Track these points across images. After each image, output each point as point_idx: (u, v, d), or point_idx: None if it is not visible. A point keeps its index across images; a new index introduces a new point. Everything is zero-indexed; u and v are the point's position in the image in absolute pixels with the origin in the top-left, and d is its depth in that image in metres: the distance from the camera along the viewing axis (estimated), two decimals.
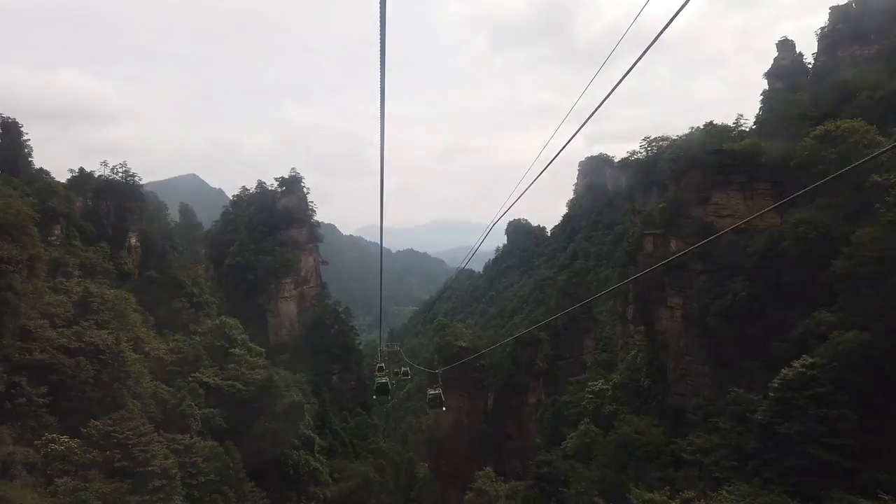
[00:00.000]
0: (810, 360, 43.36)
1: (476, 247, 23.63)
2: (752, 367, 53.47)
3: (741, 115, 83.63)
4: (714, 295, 59.66)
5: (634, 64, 8.73)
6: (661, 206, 71.44)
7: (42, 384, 59.66)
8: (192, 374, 74.14)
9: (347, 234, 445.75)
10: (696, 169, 64.37)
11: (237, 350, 78.80)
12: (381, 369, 34.70)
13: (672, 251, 65.10)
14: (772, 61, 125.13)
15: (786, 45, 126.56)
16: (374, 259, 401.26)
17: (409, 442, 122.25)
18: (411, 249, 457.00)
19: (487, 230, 21.44)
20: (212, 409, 71.37)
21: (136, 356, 71.43)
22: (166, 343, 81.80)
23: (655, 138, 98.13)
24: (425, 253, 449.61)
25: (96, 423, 53.63)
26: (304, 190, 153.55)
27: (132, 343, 75.23)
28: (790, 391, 42.75)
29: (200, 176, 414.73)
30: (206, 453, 61.99)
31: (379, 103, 8.29)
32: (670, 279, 64.77)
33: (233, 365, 78.00)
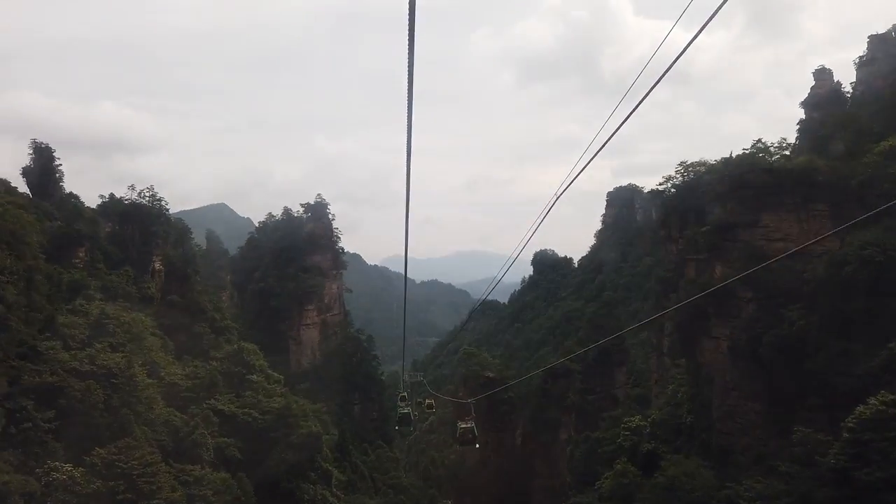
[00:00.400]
0: (890, 396, 38.08)
1: (498, 279, 23.12)
2: (813, 405, 48.09)
3: (784, 139, 79.05)
4: (765, 325, 54.50)
5: (641, 101, 9.12)
6: (704, 229, 66.63)
7: (50, 408, 56.37)
8: (207, 402, 70.38)
9: (372, 263, 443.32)
10: (744, 189, 59.73)
11: (255, 377, 74.99)
12: (403, 398, 34.00)
13: (717, 278, 60.15)
14: (808, 90, 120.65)
15: (823, 74, 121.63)
16: (398, 289, 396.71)
17: (431, 477, 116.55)
18: (435, 280, 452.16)
19: (509, 264, 21.27)
20: (226, 439, 67.35)
21: (150, 381, 68.03)
22: (183, 368, 78.34)
23: (692, 163, 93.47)
24: (449, 284, 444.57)
25: (101, 451, 49.86)
26: (330, 216, 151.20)
27: (147, 367, 71.86)
28: (868, 432, 37.47)
29: (229, 205, 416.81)
30: (217, 486, 57.76)
31: (406, 136, 8.54)
32: (715, 308, 59.75)
33: (250, 392, 74.14)
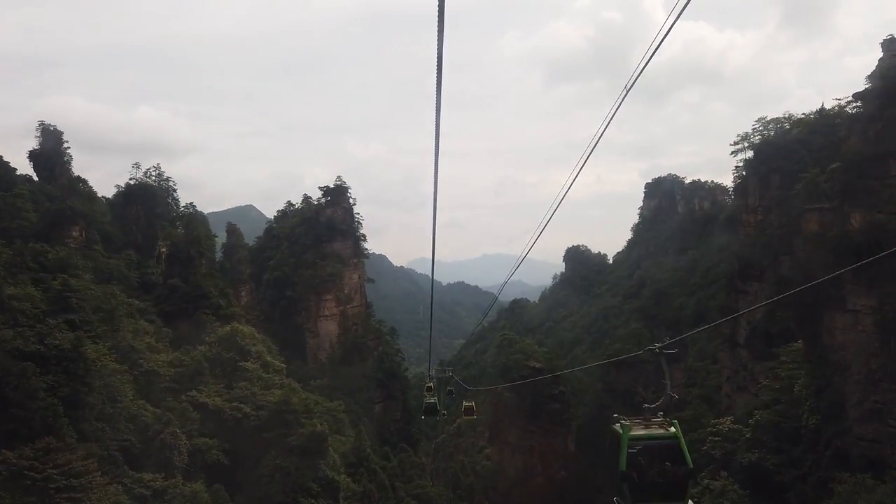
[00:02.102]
0: None
1: (508, 277, 22.34)
2: None
3: None
4: None
5: (623, 98, 9.00)
6: (833, 167, 49.63)
7: None
8: (188, 393, 55.39)
9: (399, 265, 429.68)
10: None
11: (250, 364, 59.86)
12: (429, 389, 32.17)
13: (855, 228, 43.32)
14: (876, 62, 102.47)
15: (892, 44, 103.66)
16: (424, 292, 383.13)
17: (461, 486, 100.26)
18: (462, 282, 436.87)
19: (518, 263, 19.82)
20: (207, 440, 52.20)
21: (118, 367, 53.24)
22: (167, 355, 63.60)
23: (774, 119, 76.53)
24: (476, 286, 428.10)
25: (8, 454, 34.87)
26: (350, 201, 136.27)
27: (122, 352, 57.34)
28: None
29: (257, 207, 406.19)
30: (184, 500, 42.55)
31: (434, 138, 8.33)
32: (855, 272, 42.81)
33: (243, 383, 59.03)
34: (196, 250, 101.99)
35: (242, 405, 55.07)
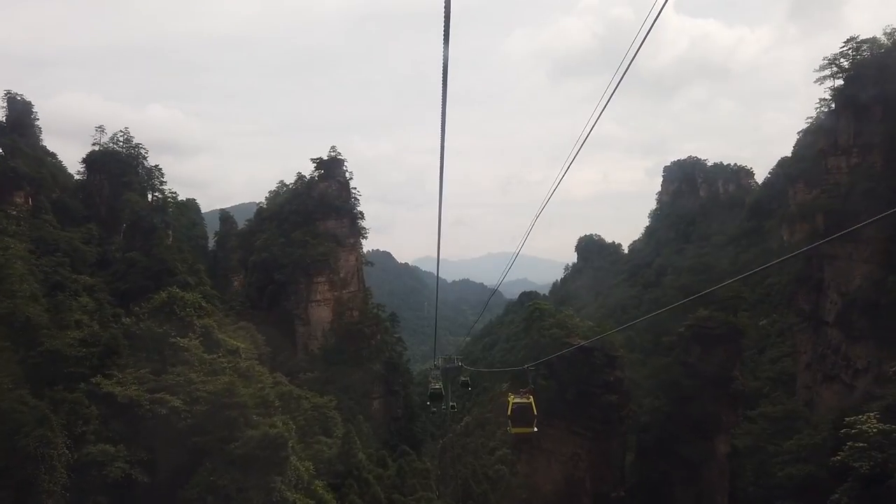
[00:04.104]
0: None
1: (507, 268, 21.46)
2: None
3: None
4: None
5: (611, 96, 8.63)
6: None
7: None
8: (92, 380, 37.79)
9: (403, 262, 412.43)
10: None
11: (186, 341, 42.16)
12: (436, 368, 28.58)
13: None
14: None
15: None
16: (429, 289, 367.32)
17: (472, 496, 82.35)
18: (467, 279, 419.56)
19: (512, 260, 19.17)
20: (109, 447, 34.50)
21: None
22: (80, 332, 46.01)
23: (869, 39, 58.38)
24: (482, 283, 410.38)
25: None
26: (347, 174, 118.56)
27: (12, 327, 40.08)
28: None
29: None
30: None
31: (440, 136, 7.93)
32: None
33: (180, 367, 41.29)
34: (161, 220, 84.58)
35: (170, 397, 37.44)
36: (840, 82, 60.09)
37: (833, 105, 60.94)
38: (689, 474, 44.46)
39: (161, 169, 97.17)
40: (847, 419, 34.17)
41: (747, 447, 48.48)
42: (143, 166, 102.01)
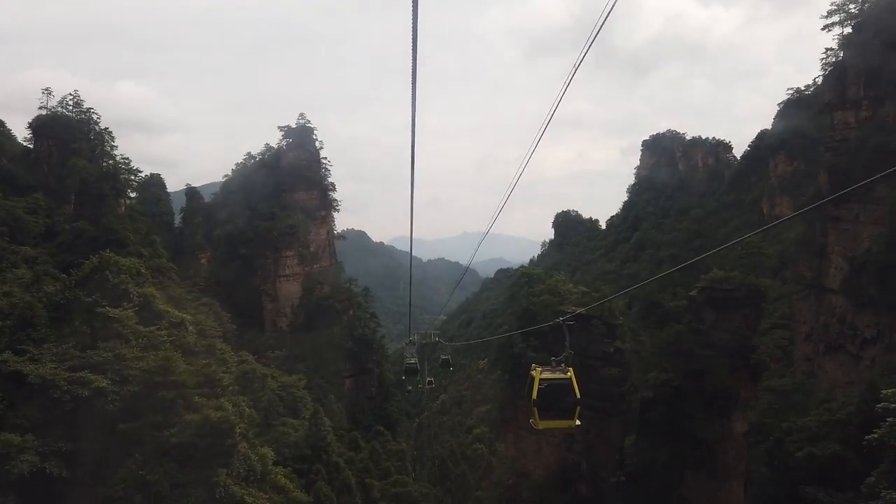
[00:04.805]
0: None
1: (478, 244, 23.02)
2: None
3: None
4: None
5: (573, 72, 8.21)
6: None
7: None
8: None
9: (378, 241, 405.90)
10: None
11: (119, 311, 35.69)
12: (411, 343, 28.72)
13: None
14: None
15: None
16: (404, 268, 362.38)
17: (450, 477, 77.53)
18: (443, 258, 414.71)
19: (480, 239, 20.36)
20: (14, 437, 28.18)
21: None
22: None
23: None
24: (457, 262, 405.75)
25: None
26: (317, 144, 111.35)
27: None
28: None
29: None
30: None
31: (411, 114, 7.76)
32: None
33: (113, 341, 34.88)
34: (111, 187, 76.96)
35: (95, 376, 31.16)
36: (849, 30, 55.17)
37: (841, 54, 56.11)
38: (702, 456, 39.35)
39: (111, 132, 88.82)
40: (884, 392, 29.40)
41: (752, 424, 43.84)
42: (95, 131, 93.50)
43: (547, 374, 12.51)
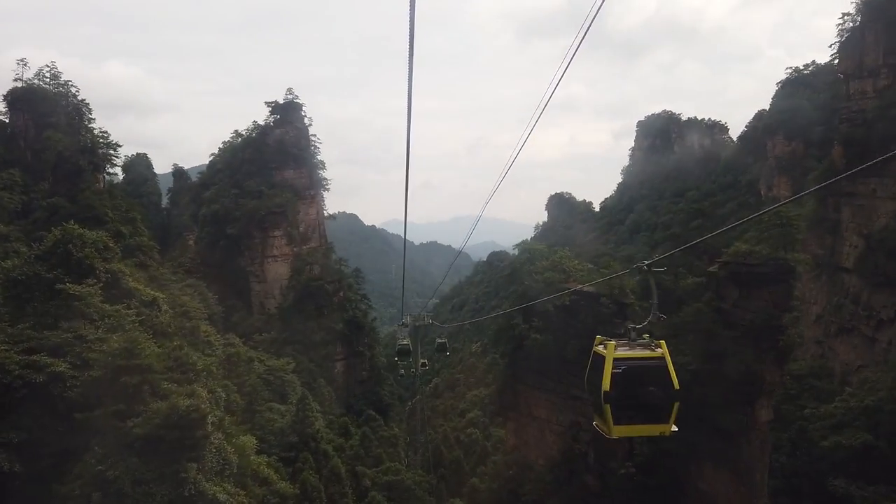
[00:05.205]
0: None
1: (469, 233, 22.57)
2: None
3: None
4: None
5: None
6: None
7: None
8: None
9: (370, 224, 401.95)
10: None
11: (80, 288, 32.15)
12: (403, 325, 29.27)
13: None
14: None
15: None
16: (396, 251, 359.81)
17: (444, 463, 74.80)
18: (435, 242, 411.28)
19: (475, 223, 20.00)
20: None
21: None
22: None
23: None
24: (449, 246, 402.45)
25: None
26: (306, 120, 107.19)
27: None
28: None
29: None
30: None
31: (406, 98, 8.09)
32: None
33: (74, 322, 31.41)
34: (88, 161, 72.83)
35: (53, 359, 27.76)
36: None
37: (859, 20, 52.84)
38: (722, 446, 36.17)
39: (89, 105, 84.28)
40: None
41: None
42: (72, 104, 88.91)
43: (624, 352, 8.55)
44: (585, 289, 36.37)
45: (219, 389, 34.08)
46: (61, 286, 31.18)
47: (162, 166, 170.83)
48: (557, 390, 39.24)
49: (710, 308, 37.91)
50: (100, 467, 24.69)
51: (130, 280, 36.40)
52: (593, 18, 6.75)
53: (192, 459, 25.39)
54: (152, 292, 37.08)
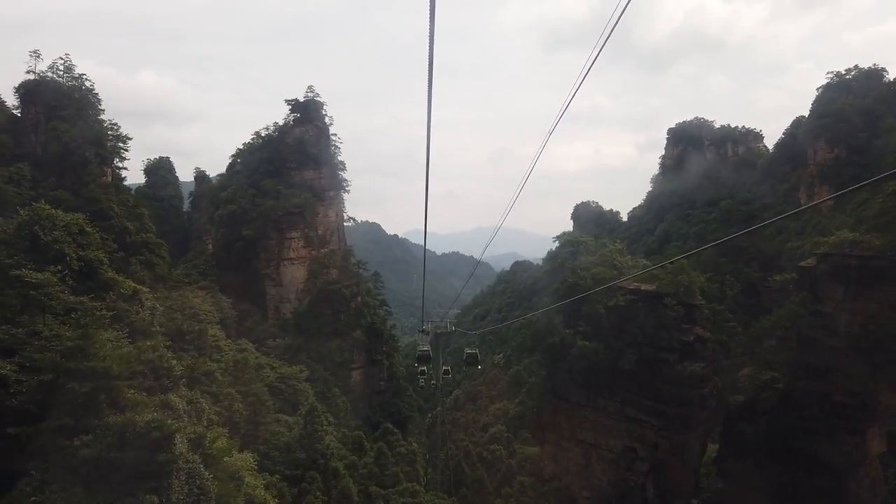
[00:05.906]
0: None
1: (489, 241, 21.91)
2: None
3: None
4: None
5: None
6: None
7: None
8: None
9: (392, 233, 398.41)
10: None
11: (39, 276, 26.62)
12: (423, 332, 29.05)
13: None
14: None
15: None
16: (418, 261, 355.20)
17: (466, 483, 68.16)
18: (457, 252, 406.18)
19: (493, 233, 19.99)
20: None
21: None
22: None
23: None
24: (471, 256, 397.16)
25: None
26: (326, 119, 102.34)
27: None
28: None
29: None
30: None
31: (426, 108, 7.90)
32: None
33: (35, 316, 25.93)
34: (95, 153, 68.41)
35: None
36: None
37: None
38: (824, 484, 28.90)
39: (98, 95, 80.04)
40: None
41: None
42: (88, 99, 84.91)
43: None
44: (644, 287, 29.98)
45: (201, 400, 28.21)
46: (17, 272, 25.70)
47: (188, 174, 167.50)
48: (609, 409, 32.31)
49: (806, 311, 30.64)
50: (34, 498, 18.92)
51: (108, 271, 30.86)
52: (612, 28, 7.04)
53: (151, 490, 19.47)
54: (133, 284, 31.49)
